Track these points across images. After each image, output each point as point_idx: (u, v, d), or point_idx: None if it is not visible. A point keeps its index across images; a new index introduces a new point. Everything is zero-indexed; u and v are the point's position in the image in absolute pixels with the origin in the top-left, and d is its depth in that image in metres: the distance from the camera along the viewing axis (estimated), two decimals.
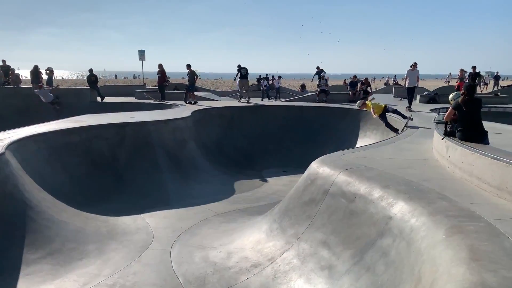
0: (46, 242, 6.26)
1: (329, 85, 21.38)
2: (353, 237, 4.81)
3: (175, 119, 12.40)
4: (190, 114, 13.49)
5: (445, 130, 6.46)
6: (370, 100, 13.07)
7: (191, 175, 10.93)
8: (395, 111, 11.91)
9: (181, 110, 14.49)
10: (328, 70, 21.34)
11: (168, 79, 19.77)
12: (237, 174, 12.29)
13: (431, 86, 35.67)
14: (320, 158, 6.54)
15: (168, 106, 16.55)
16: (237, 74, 18.92)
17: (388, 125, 11.81)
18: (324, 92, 19.23)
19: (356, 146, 12.81)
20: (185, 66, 17.58)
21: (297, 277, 4.95)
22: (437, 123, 7.97)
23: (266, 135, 14.93)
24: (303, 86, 35.31)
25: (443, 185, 5.04)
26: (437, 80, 59.63)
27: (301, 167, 11.41)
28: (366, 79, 20.39)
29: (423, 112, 14.74)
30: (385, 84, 37.15)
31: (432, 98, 19.24)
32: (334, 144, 12.84)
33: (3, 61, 20.56)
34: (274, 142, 14.66)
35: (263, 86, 23.82)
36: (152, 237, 7.14)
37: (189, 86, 17.73)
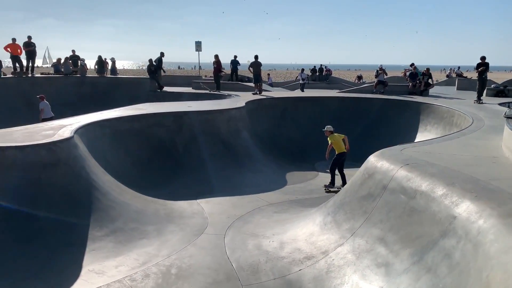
0: (110, 221, 6.65)
1: (388, 76, 20.60)
2: (412, 235, 4.62)
3: (229, 109, 12.57)
4: (244, 104, 13.61)
5: None
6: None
7: (245, 164, 11.07)
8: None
9: (236, 100, 14.67)
10: (387, 61, 20.48)
11: (223, 69, 20.04)
12: (289, 165, 12.27)
13: (499, 78, 33.05)
14: (378, 151, 6.32)
15: (223, 96, 16.81)
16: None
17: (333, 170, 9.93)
18: (382, 83, 18.56)
19: (415, 141, 12.27)
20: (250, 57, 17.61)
21: (351, 273, 4.86)
22: (508, 117, 7.38)
23: (320, 126, 14.69)
24: (360, 77, 34.36)
25: None
26: (505, 72, 55.06)
27: (356, 161, 11.15)
28: (428, 69, 19.31)
29: (491, 106, 13.75)
30: (447, 76, 35.05)
31: (500, 91, 17.89)
32: (392, 137, 12.36)
33: (73, 51, 22.00)
34: None
35: (302, 79, 23.66)
36: (207, 222, 7.36)
37: (255, 77, 17.69)
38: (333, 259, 5.23)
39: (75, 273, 5.33)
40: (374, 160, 5.99)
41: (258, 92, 17.27)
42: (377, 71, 19.39)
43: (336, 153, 9.95)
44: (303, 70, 26.08)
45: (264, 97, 16.33)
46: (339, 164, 9.96)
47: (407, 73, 21.11)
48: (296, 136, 14.30)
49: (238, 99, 15.03)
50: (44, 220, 6.08)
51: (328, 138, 10.10)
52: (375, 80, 19.26)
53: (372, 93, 18.19)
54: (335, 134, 10.16)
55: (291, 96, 17.67)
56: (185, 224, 7.20)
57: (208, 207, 8.13)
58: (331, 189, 9.79)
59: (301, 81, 23.89)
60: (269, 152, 12.86)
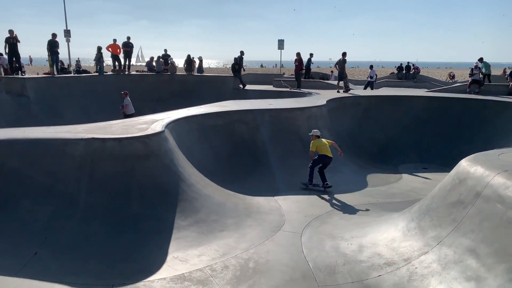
0: (193, 212, 7.03)
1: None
2: (510, 249, 4.20)
3: (309, 107, 12.50)
4: (325, 102, 13.44)
5: None
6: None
7: None
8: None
9: (316, 98, 14.53)
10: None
11: (304, 67, 19.93)
12: (370, 166, 11.87)
13: None
14: (472, 155, 5.82)
15: (304, 94, 16.77)
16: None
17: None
18: (477, 82, 17.01)
19: None
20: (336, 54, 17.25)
21: (436, 283, 4.56)
22: None
23: (405, 127, 13.98)
24: (452, 76, 31.89)
25: None
26: None
27: (444, 165, 10.44)
28: None
29: None
30: None
31: None
32: (486, 141, 11.35)
33: (165, 50, 23.58)
34: (414, 135, 13.62)
35: (370, 77, 22.34)
36: (284, 219, 7.43)
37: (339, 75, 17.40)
38: (416, 268, 4.96)
39: (162, 259, 5.73)
40: (467, 165, 5.53)
41: (344, 90, 16.90)
42: (472, 69, 17.83)
43: (319, 153, 9.40)
44: (371, 66, 24.31)
45: (347, 95, 15.98)
46: (321, 164, 9.39)
47: (507, 72, 19.06)
48: (378, 136, 13.76)
49: (319, 97, 14.87)
50: (136, 208, 6.61)
51: (311, 144, 9.50)
52: (469, 79, 17.72)
53: (465, 93, 16.77)
54: (321, 139, 9.53)
55: (374, 94, 17.02)
56: (262, 220, 7.35)
57: (285, 205, 8.20)
58: (308, 186, 9.35)
59: (368, 79, 22.67)
60: (349, 152, 12.53)
